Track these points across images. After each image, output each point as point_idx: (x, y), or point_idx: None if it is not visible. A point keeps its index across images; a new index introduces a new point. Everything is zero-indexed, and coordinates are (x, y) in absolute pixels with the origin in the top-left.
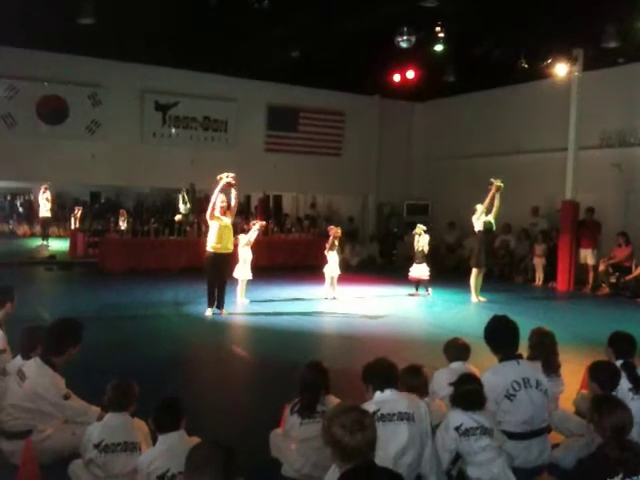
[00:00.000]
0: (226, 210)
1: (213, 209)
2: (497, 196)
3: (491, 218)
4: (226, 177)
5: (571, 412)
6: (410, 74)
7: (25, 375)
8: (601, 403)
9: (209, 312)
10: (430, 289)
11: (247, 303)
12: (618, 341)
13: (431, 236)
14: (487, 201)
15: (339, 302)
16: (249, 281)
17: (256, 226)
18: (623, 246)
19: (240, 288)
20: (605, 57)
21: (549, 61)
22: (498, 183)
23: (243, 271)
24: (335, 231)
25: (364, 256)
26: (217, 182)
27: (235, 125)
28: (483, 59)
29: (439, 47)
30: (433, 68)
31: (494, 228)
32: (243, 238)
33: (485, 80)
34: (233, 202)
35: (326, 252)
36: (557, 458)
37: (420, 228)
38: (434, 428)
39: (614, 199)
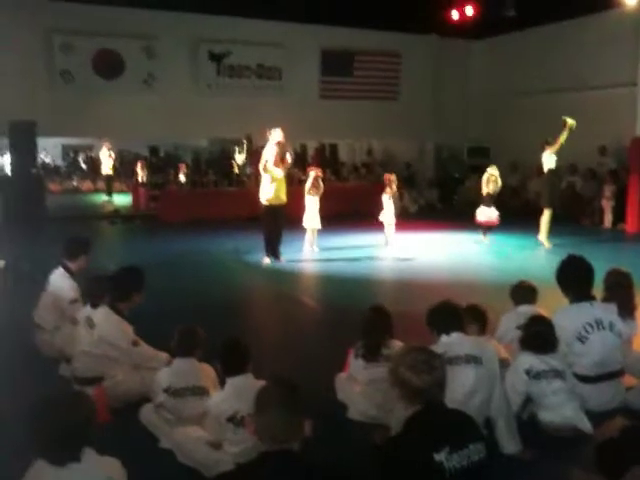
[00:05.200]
0: (279, 162)
1: (266, 162)
2: (564, 134)
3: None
4: (272, 136)
5: None
6: (469, 10)
7: (94, 322)
8: None
9: (267, 260)
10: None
11: (316, 252)
12: None
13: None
14: (560, 140)
15: (398, 249)
16: (318, 230)
17: (311, 174)
18: None
19: (308, 237)
20: None
21: None
22: (571, 121)
23: (310, 220)
24: (388, 176)
25: (423, 202)
26: (267, 137)
27: (289, 72)
28: None
29: None
30: (492, 3)
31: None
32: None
33: (547, 14)
34: (289, 157)
35: (388, 198)
36: (631, 401)
37: (492, 170)
38: None
39: None
